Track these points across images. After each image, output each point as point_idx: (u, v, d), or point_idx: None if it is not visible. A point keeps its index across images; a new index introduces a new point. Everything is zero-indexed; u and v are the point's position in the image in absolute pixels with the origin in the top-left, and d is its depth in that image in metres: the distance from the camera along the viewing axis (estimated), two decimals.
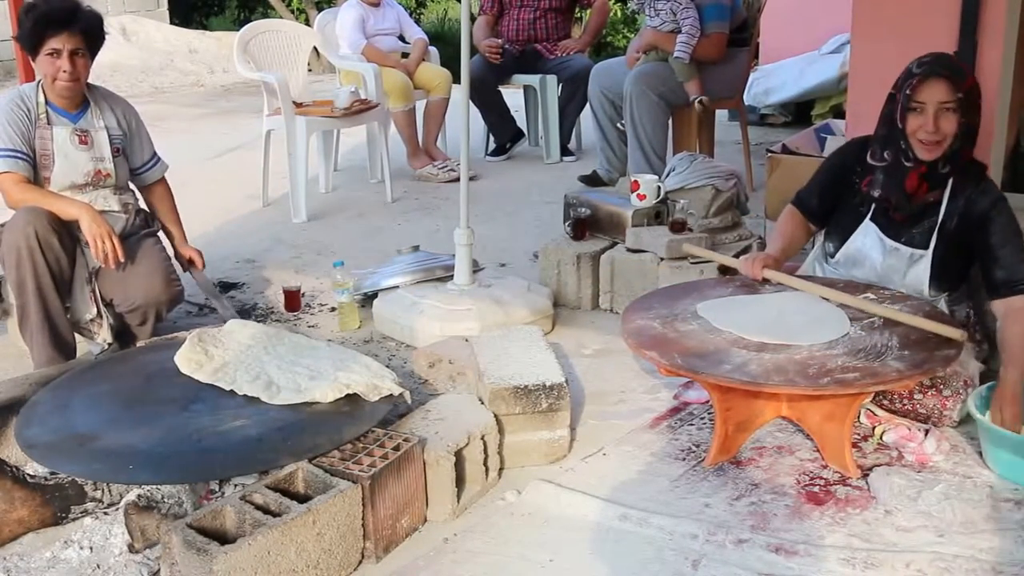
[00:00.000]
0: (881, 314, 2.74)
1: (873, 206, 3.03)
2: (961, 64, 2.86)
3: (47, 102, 3.37)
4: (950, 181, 2.90)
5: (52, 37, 3.23)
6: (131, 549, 2.38)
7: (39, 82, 3.38)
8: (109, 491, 2.57)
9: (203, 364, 2.80)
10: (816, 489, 2.61)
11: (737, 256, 3.51)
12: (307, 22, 11.57)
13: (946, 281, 2.97)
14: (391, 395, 2.74)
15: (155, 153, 3.70)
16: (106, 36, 3.43)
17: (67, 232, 3.29)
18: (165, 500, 2.45)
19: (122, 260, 3.28)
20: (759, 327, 2.72)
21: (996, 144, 3.33)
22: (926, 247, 2.95)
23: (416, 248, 4.18)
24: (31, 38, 3.26)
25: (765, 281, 3.04)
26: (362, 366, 2.83)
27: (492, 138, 6.77)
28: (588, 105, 5.70)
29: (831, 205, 3.18)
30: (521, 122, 6.90)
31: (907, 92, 2.83)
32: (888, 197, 2.96)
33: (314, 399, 2.65)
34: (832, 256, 3.18)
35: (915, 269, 2.99)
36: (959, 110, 2.79)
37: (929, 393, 2.81)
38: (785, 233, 3.24)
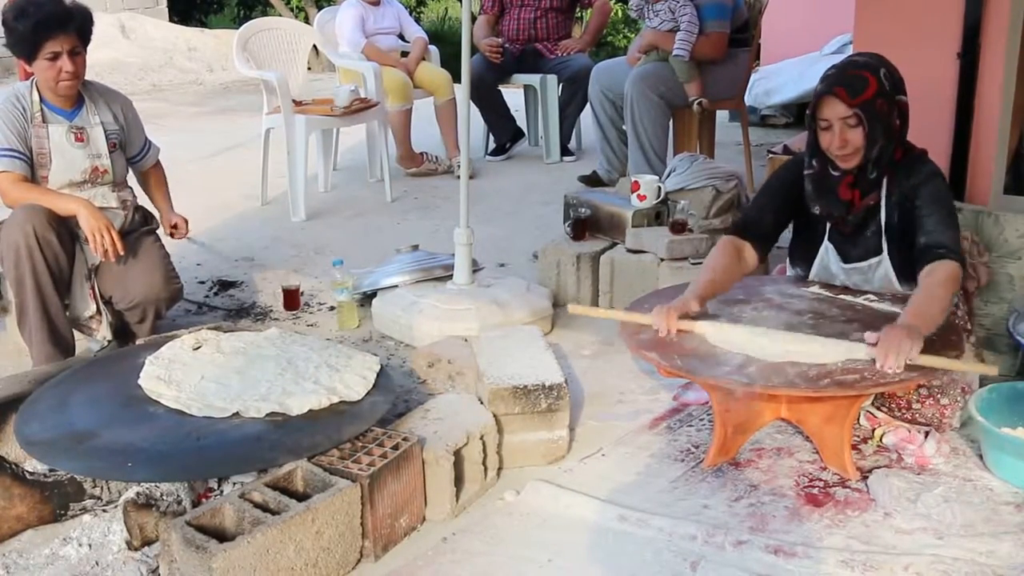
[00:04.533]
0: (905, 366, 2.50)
1: (828, 226, 2.99)
2: (863, 72, 2.77)
3: (42, 100, 3.36)
4: (884, 181, 2.87)
5: (50, 40, 3.21)
6: (130, 546, 2.37)
7: (33, 81, 3.36)
8: (108, 488, 2.56)
9: (163, 393, 2.71)
10: (815, 491, 2.61)
11: None
12: (307, 20, 11.57)
13: (913, 274, 2.88)
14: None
15: (146, 140, 3.71)
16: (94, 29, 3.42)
17: (66, 229, 3.28)
18: (164, 498, 2.44)
19: (122, 253, 3.27)
20: (777, 347, 2.61)
21: (999, 147, 3.33)
22: (879, 252, 2.92)
23: (415, 247, 4.18)
24: (28, 45, 3.22)
25: (681, 332, 2.72)
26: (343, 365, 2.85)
27: (492, 138, 6.77)
28: (588, 105, 5.70)
29: (782, 223, 3.10)
30: (521, 122, 6.90)
31: (811, 112, 2.84)
32: (829, 212, 2.92)
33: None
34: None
35: (879, 273, 2.95)
36: (859, 123, 2.76)
37: (928, 402, 2.81)
38: (715, 267, 2.93)
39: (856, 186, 2.86)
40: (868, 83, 2.76)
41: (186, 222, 3.71)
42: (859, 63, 2.83)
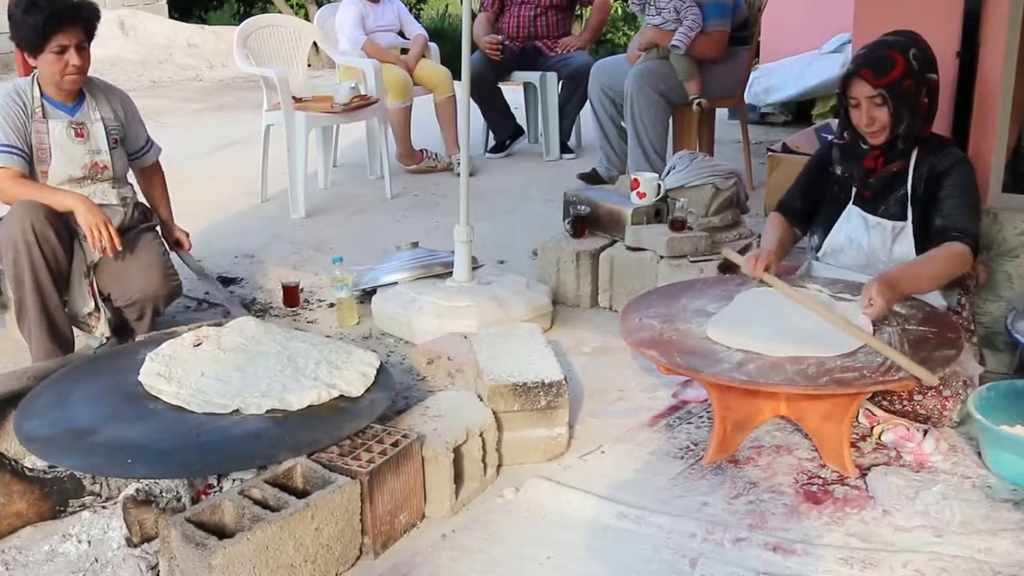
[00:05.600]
0: (871, 344, 2.62)
1: (853, 191, 3.11)
2: (890, 53, 2.89)
3: (43, 95, 3.36)
4: (914, 151, 2.99)
5: (58, 34, 3.22)
6: (129, 543, 2.37)
7: (34, 76, 3.37)
8: (107, 485, 2.57)
9: (163, 389, 2.70)
10: (814, 488, 2.61)
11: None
12: (307, 17, 11.56)
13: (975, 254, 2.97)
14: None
15: (148, 138, 3.72)
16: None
17: (64, 226, 3.28)
18: (163, 494, 2.44)
19: (119, 249, 3.27)
20: (777, 341, 2.65)
21: (997, 146, 3.32)
22: (904, 218, 3.02)
23: (415, 244, 4.18)
24: (37, 38, 3.23)
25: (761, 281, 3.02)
26: (343, 361, 2.84)
27: (492, 135, 6.77)
28: (588, 103, 5.70)
29: (814, 205, 3.26)
30: (521, 119, 6.90)
31: (841, 90, 2.99)
32: (851, 173, 3.07)
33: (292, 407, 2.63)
34: (818, 249, 3.21)
35: (899, 242, 3.03)
36: (885, 102, 2.88)
37: (929, 394, 2.81)
38: (775, 231, 3.25)
39: (882, 157, 3.00)
40: (894, 64, 2.88)
41: (187, 235, 3.80)
42: (888, 43, 2.95)
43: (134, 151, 3.64)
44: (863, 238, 3.08)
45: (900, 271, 2.87)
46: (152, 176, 3.80)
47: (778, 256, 3.12)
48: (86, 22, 3.29)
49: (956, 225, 2.88)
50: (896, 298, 2.77)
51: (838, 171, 3.11)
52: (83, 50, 3.29)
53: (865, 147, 3.00)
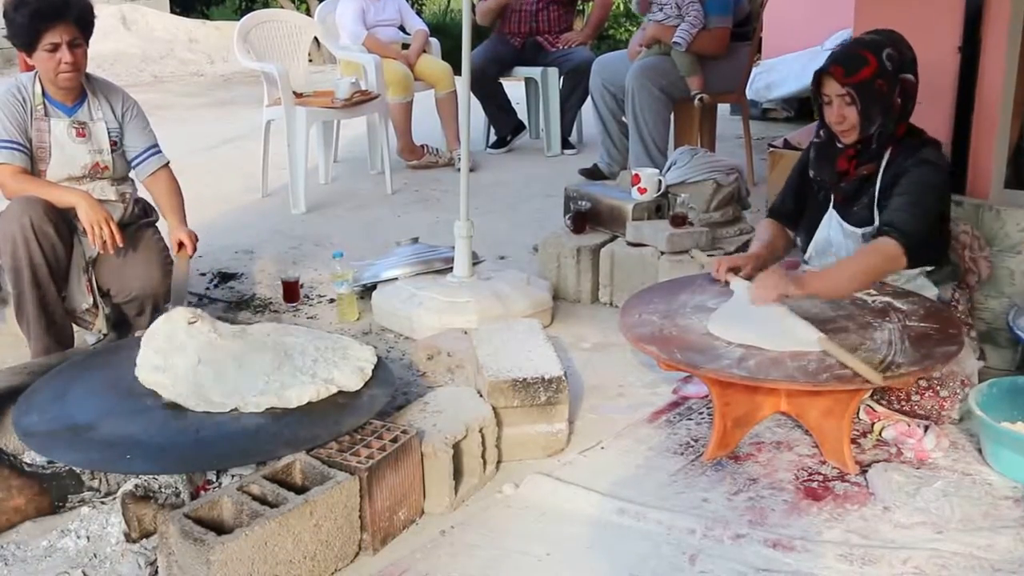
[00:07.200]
0: (828, 349, 2.57)
1: (832, 195, 3.08)
2: (863, 52, 2.83)
3: (44, 94, 3.34)
4: (887, 154, 2.94)
5: (48, 31, 3.17)
6: (128, 539, 2.37)
7: (36, 73, 3.34)
8: (106, 480, 2.57)
9: (159, 382, 2.67)
10: (814, 485, 2.61)
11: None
12: (308, 12, 11.54)
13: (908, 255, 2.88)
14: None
15: (153, 145, 3.56)
16: (95, 21, 3.38)
17: (64, 221, 3.27)
18: (162, 490, 2.44)
19: (120, 246, 3.26)
20: (778, 336, 2.64)
21: (999, 141, 3.32)
22: (871, 223, 2.96)
23: (415, 240, 4.18)
24: (26, 35, 3.20)
25: (726, 283, 2.95)
26: (340, 357, 2.83)
27: (493, 130, 6.76)
28: (589, 98, 5.69)
29: (802, 206, 3.23)
30: (522, 114, 6.90)
31: (814, 87, 2.95)
32: (823, 178, 3.04)
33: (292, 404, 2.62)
34: (805, 252, 3.19)
35: None
36: (854, 101, 2.84)
37: (927, 394, 2.81)
38: (763, 237, 3.22)
39: (855, 158, 2.95)
40: (866, 63, 2.82)
41: (194, 240, 3.44)
42: (864, 42, 2.91)
43: (131, 156, 3.51)
44: (840, 243, 3.05)
45: (818, 272, 2.89)
46: (156, 186, 3.55)
47: (759, 259, 3.05)
48: (77, 18, 3.23)
49: (891, 221, 2.80)
50: (794, 292, 2.72)
51: (811, 174, 3.07)
52: (77, 47, 3.24)
53: (840, 146, 2.96)
